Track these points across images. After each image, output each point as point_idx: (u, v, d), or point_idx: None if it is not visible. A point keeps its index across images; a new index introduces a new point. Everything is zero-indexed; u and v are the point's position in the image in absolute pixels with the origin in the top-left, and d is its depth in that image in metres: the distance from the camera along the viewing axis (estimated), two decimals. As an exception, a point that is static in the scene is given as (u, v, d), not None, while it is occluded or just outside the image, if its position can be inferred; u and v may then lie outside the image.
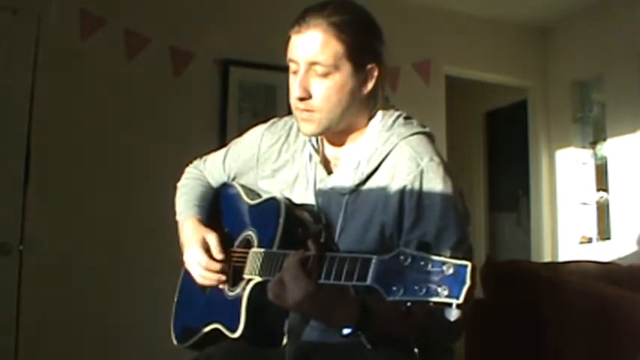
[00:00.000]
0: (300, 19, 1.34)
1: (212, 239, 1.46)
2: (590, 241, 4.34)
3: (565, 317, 2.48)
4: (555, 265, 3.60)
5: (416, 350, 1.14)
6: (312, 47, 1.32)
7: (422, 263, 0.91)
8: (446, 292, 0.88)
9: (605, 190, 4.28)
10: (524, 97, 4.81)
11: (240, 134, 1.67)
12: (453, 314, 0.88)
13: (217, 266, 1.41)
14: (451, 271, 0.89)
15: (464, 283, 0.88)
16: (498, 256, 4.81)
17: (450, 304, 0.88)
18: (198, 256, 1.43)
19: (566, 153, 4.52)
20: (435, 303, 0.89)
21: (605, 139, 4.29)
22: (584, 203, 4.40)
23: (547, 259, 4.46)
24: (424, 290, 0.90)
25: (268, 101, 3.75)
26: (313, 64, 1.32)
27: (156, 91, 3.46)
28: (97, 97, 3.32)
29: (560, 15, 4.47)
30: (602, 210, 4.35)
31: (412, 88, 3.98)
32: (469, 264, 0.89)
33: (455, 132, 4.59)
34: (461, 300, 0.87)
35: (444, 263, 0.90)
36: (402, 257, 0.94)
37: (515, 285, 2.76)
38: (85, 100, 3.29)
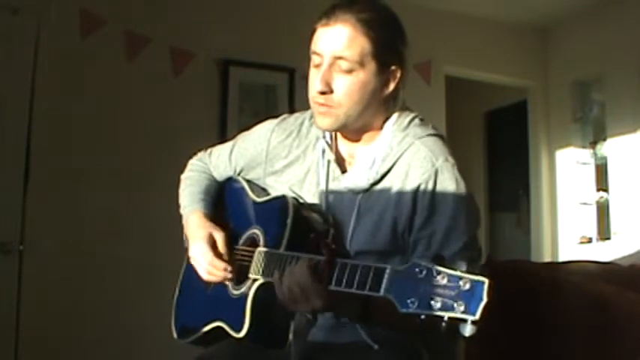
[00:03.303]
0: (328, 13, 1.33)
1: (219, 236, 1.45)
2: (590, 241, 4.34)
3: (565, 317, 2.47)
4: (555, 265, 3.59)
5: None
6: (339, 41, 1.31)
7: (437, 277, 0.90)
8: (462, 308, 0.87)
9: (605, 190, 4.28)
10: (524, 97, 4.81)
11: (241, 132, 1.66)
12: (468, 330, 0.87)
13: (223, 264, 1.40)
14: (468, 286, 0.88)
15: (481, 299, 0.88)
16: (498, 256, 4.81)
17: (465, 320, 0.87)
18: (205, 252, 1.41)
19: (566, 153, 4.51)
20: (450, 318, 0.88)
21: (605, 139, 4.28)
22: (584, 203, 4.40)
23: (547, 259, 4.46)
24: (440, 304, 0.89)
25: (268, 101, 3.75)
26: (338, 58, 1.31)
27: (156, 91, 3.46)
28: (97, 97, 3.31)
29: (560, 15, 4.46)
30: (602, 210, 4.34)
31: (412, 88, 3.94)
32: (486, 280, 0.88)
33: (455, 132, 4.57)
34: (477, 317, 0.87)
35: (460, 278, 0.89)
36: (417, 269, 0.93)
37: (515, 285, 2.76)
38: (85, 100, 3.28)
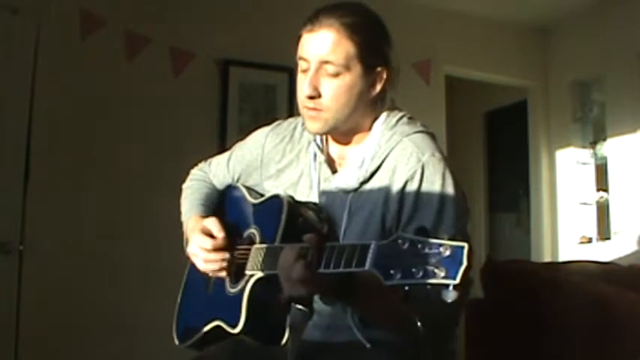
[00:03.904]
0: (312, 18, 1.36)
1: (212, 223, 1.45)
2: (590, 241, 4.34)
3: (565, 317, 2.48)
4: (555, 265, 3.60)
5: (419, 324, 1.13)
6: (324, 46, 1.34)
7: (419, 246, 0.92)
8: (443, 274, 0.88)
9: (605, 190, 4.28)
10: (524, 97, 4.81)
11: (240, 134, 1.68)
12: (450, 296, 0.88)
13: (220, 245, 1.41)
14: (448, 252, 0.89)
15: (461, 263, 0.88)
16: (498, 256, 4.81)
17: (447, 286, 0.88)
18: (200, 240, 1.42)
19: (566, 153, 4.52)
20: (432, 285, 0.89)
21: (605, 139, 4.29)
22: (584, 203, 4.40)
23: (547, 259, 4.46)
24: (421, 273, 0.90)
25: (268, 101, 3.75)
26: (324, 63, 1.34)
27: (156, 91, 3.46)
28: (97, 97, 3.32)
29: (560, 15, 4.47)
30: (602, 210, 4.35)
31: (412, 88, 3.98)
32: (466, 245, 0.89)
33: (455, 132, 4.58)
34: (457, 280, 0.88)
35: (440, 245, 0.90)
36: (400, 241, 0.95)
37: (515, 285, 2.76)
38: (85, 100, 3.29)
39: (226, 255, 1.41)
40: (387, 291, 0.95)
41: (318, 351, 1.36)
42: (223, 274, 1.42)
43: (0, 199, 3.01)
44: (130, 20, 3.40)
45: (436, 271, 0.89)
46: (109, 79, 3.35)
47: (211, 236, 1.43)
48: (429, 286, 0.90)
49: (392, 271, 0.93)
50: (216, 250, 1.41)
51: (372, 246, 1.00)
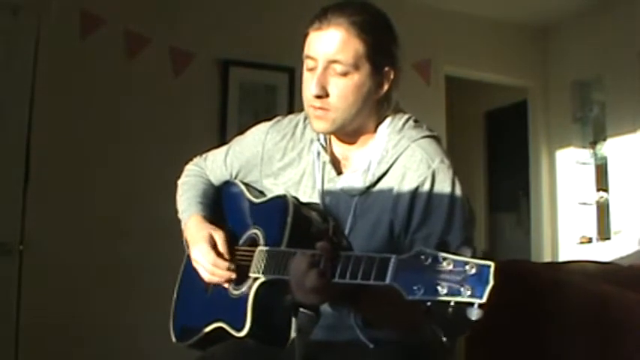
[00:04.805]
0: (320, 17, 1.34)
1: (218, 236, 1.44)
2: (590, 241, 4.34)
3: (565, 317, 2.48)
4: (555, 265, 3.60)
5: (444, 338, 1.13)
6: (332, 45, 1.32)
7: (443, 263, 0.91)
8: (469, 292, 0.88)
9: (605, 190, 4.28)
10: (524, 97, 4.81)
11: (240, 134, 1.66)
12: (475, 314, 0.88)
13: (226, 263, 1.40)
14: (474, 270, 0.89)
15: (487, 282, 0.88)
16: (498, 256, 4.80)
17: (472, 304, 0.88)
18: (206, 253, 1.41)
19: (566, 153, 4.51)
20: (457, 303, 0.88)
21: (605, 139, 4.29)
22: (584, 203, 4.40)
23: (547, 259, 4.46)
24: (446, 290, 0.89)
25: (268, 101, 3.75)
26: (333, 62, 1.32)
27: (156, 91, 3.46)
28: (97, 97, 3.32)
29: (560, 15, 4.46)
30: (602, 210, 4.35)
31: (412, 88, 3.98)
32: (492, 264, 0.89)
33: (455, 132, 4.58)
34: (484, 300, 0.87)
35: (466, 263, 0.89)
36: (422, 257, 0.93)
37: (515, 285, 2.76)
38: (85, 100, 3.29)
39: (232, 275, 1.39)
40: (400, 303, 0.93)
41: (321, 350, 1.35)
42: (226, 285, 1.41)
43: (0, 199, 3.01)
44: (130, 20, 3.40)
45: (462, 289, 0.88)
46: (109, 79, 3.35)
47: (218, 252, 1.42)
48: (452, 304, 0.89)
49: (415, 287, 0.92)
50: (222, 266, 1.40)
51: (393, 259, 0.98)
